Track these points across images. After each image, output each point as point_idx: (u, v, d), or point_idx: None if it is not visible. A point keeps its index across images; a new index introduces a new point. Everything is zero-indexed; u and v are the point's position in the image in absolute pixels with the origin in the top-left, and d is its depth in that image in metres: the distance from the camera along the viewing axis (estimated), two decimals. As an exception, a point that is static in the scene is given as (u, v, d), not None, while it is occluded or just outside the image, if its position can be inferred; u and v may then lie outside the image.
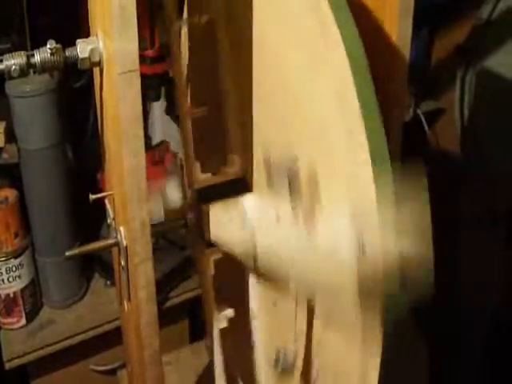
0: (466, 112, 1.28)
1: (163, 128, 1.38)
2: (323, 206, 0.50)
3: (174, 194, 0.76)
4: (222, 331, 0.74)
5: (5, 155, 1.15)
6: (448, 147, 1.33)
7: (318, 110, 0.49)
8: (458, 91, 1.28)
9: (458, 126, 1.30)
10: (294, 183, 0.54)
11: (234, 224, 0.64)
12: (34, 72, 0.58)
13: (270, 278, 0.63)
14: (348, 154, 0.45)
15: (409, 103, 1.31)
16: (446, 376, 1.26)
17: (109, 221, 0.68)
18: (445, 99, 1.34)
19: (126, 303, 0.70)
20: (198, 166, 0.67)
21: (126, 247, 0.62)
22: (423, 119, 1.33)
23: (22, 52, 0.57)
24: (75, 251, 0.69)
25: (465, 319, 1.29)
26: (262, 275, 0.66)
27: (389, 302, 0.46)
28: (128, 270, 0.64)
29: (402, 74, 0.60)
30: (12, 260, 1.14)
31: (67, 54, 0.58)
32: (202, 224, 0.69)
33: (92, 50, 0.57)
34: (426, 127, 1.34)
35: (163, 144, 1.36)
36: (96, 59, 0.58)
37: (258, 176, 0.64)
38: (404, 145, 0.62)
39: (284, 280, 0.59)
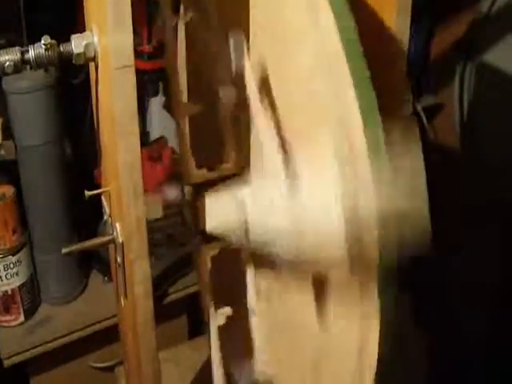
0: (466, 107, 1.27)
1: (161, 124, 1.37)
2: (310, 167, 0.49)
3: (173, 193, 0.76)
4: (220, 328, 0.73)
5: (2, 152, 1.14)
6: (447, 142, 1.32)
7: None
8: (457, 86, 1.28)
9: (457, 120, 1.29)
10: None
11: (226, 207, 0.63)
12: (31, 68, 0.58)
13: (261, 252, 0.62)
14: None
15: (407, 98, 1.30)
16: (446, 376, 1.26)
17: (105, 217, 0.68)
18: (444, 94, 1.33)
19: (122, 300, 0.69)
20: (193, 161, 0.67)
21: (122, 243, 0.62)
22: (422, 114, 1.32)
23: (16, 48, 0.57)
24: (72, 248, 0.68)
25: (464, 319, 1.29)
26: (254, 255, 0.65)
27: (384, 261, 0.44)
28: (124, 266, 0.63)
29: (401, 67, 0.60)
30: (10, 257, 1.13)
31: (62, 49, 0.57)
32: (198, 218, 0.68)
33: (87, 45, 0.57)
34: (425, 122, 1.33)
35: (161, 140, 1.36)
36: (91, 54, 0.57)
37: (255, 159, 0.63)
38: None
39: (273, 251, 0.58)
